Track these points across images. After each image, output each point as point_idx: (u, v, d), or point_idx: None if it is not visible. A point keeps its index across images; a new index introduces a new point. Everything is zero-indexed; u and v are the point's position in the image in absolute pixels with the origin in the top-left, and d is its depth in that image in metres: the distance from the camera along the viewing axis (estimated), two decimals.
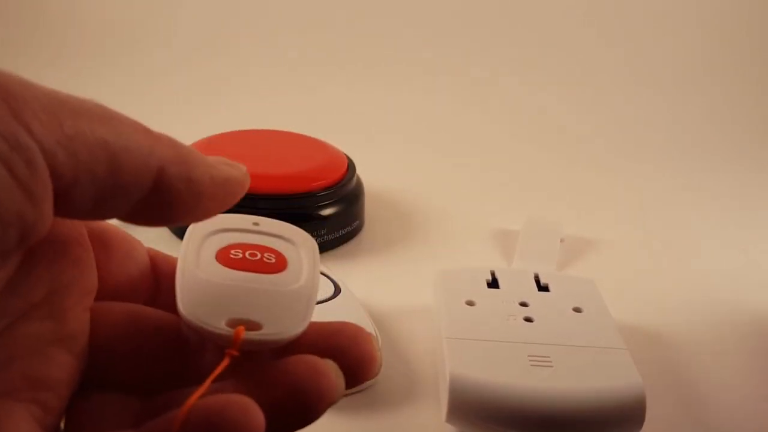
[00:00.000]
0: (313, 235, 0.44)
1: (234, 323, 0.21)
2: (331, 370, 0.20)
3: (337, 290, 0.37)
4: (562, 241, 0.48)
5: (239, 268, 0.23)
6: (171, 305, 0.22)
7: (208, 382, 0.20)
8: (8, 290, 0.19)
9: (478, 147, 0.65)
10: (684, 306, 0.44)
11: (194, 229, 0.24)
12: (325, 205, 0.46)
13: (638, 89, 0.73)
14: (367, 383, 0.35)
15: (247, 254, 0.24)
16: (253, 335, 0.21)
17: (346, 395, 0.34)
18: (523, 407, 0.30)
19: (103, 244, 0.23)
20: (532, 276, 0.39)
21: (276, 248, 0.24)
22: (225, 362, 0.21)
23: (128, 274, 0.23)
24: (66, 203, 0.18)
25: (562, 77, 0.74)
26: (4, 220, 0.17)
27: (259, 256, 0.24)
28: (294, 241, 0.25)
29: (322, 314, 0.36)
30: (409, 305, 0.41)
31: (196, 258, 0.23)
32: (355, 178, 0.49)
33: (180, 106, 0.68)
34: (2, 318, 0.19)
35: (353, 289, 0.38)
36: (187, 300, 0.22)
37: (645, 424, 0.31)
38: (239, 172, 0.22)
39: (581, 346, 0.33)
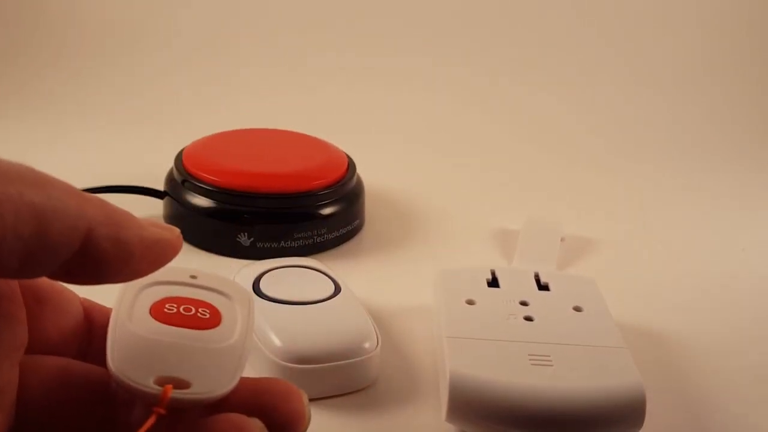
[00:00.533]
0: (313, 235, 0.45)
1: (162, 381, 0.21)
2: (255, 429, 0.21)
3: (337, 290, 0.37)
4: (562, 240, 0.48)
5: (172, 323, 0.23)
6: (102, 357, 0.22)
7: None
8: None
9: (478, 147, 0.65)
10: (684, 306, 0.44)
11: (130, 282, 0.24)
12: (326, 205, 0.46)
13: (638, 89, 0.73)
14: (367, 383, 0.35)
15: (181, 309, 0.24)
16: (180, 394, 0.21)
17: (344, 395, 0.34)
18: (523, 406, 0.30)
19: (35, 298, 0.23)
20: (533, 275, 0.39)
21: (211, 303, 0.24)
22: (151, 420, 0.21)
23: (60, 328, 0.24)
24: None
25: (562, 77, 0.74)
26: None
27: (193, 311, 0.24)
28: (230, 296, 0.25)
29: (322, 314, 0.36)
30: (409, 305, 0.41)
31: (129, 311, 0.23)
32: (355, 178, 0.49)
33: (180, 106, 0.68)
34: None
35: (353, 289, 0.38)
36: (116, 356, 0.22)
37: (645, 423, 0.31)
38: (171, 234, 0.22)
39: (581, 345, 0.34)
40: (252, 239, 0.44)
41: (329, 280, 0.38)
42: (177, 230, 0.22)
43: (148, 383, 0.21)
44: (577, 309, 0.36)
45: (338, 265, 0.44)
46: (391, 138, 0.65)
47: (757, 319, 0.43)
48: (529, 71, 0.74)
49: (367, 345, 0.34)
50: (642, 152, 0.65)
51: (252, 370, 0.22)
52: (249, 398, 0.22)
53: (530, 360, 0.32)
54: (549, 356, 0.33)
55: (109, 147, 0.60)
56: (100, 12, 0.77)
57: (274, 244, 0.45)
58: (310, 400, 0.34)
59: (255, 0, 0.78)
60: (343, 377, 0.34)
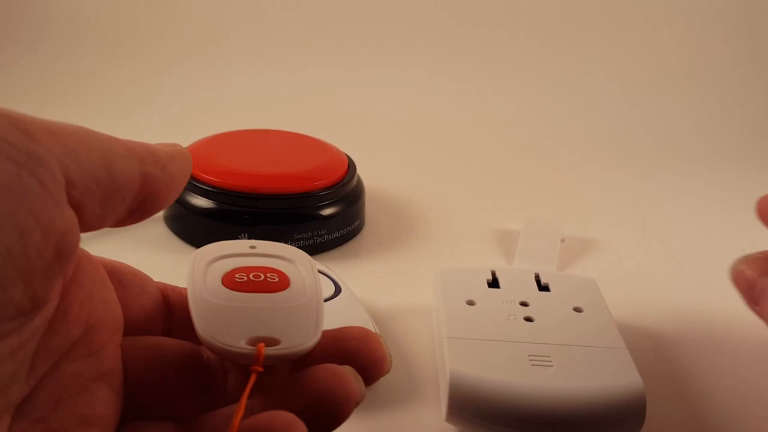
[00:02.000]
0: (313, 235, 0.45)
1: (253, 341, 0.22)
2: (350, 374, 0.22)
3: (338, 290, 0.38)
4: (562, 241, 0.48)
5: (246, 290, 0.25)
6: (186, 332, 0.24)
7: (243, 402, 0.21)
8: (50, 331, 0.20)
9: (478, 147, 0.65)
10: (684, 306, 0.44)
11: (196, 259, 0.26)
12: (326, 205, 0.46)
13: (638, 89, 0.73)
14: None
15: (251, 276, 0.25)
16: (274, 350, 0.22)
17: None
18: (523, 407, 0.30)
19: (119, 282, 0.24)
20: (533, 276, 0.39)
21: (277, 268, 0.26)
22: (252, 379, 0.22)
23: (144, 308, 0.25)
24: (81, 211, 0.20)
25: (563, 78, 0.74)
26: (45, 229, 0.18)
27: (262, 277, 0.25)
28: (291, 259, 0.26)
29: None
30: (409, 305, 0.41)
31: (203, 285, 0.24)
32: (355, 178, 0.49)
33: (181, 106, 0.68)
34: (48, 358, 0.20)
35: (353, 289, 0.38)
36: (205, 325, 0.23)
37: (645, 424, 0.31)
38: (177, 146, 0.23)
39: (581, 345, 0.34)
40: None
41: (329, 280, 0.38)
42: (179, 145, 0.24)
43: (241, 344, 0.22)
44: (578, 309, 0.36)
45: (338, 265, 0.44)
46: (391, 139, 0.65)
47: (757, 320, 0.43)
48: (529, 72, 0.74)
49: None
50: (642, 153, 0.65)
51: None
52: (331, 348, 0.23)
53: (530, 360, 0.32)
54: (549, 357, 0.33)
55: None
56: (100, 13, 0.77)
57: None
58: None
59: (256, 1, 0.78)
60: None
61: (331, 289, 0.37)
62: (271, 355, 0.22)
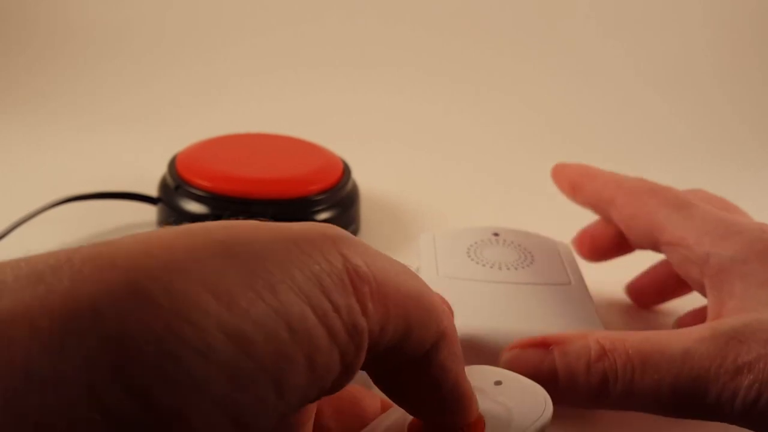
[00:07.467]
0: None
1: None
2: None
3: None
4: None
5: None
6: None
7: None
8: None
9: (474, 150, 0.65)
10: (683, 305, 0.43)
11: None
12: (321, 210, 0.46)
13: (637, 89, 0.73)
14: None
15: None
16: None
17: None
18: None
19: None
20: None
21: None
22: None
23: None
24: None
25: (561, 79, 0.73)
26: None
27: None
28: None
29: None
30: None
31: None
32: (350, 182, 0.48)
33: (173, 111, 0.68)
34: None
35: None
36: None
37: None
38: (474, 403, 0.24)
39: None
40: None
41: None
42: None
43: None
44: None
45: None
46: (386, 142, 0.65)
47: None
48: (526, 73, 0.74)
49: None
50: (641, 153, 0.65)
51: None
52: None
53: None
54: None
55: (101, 152, 0.60)
56: (93, 14, 0.77)
57: None
58: None
59: (249, 4, 0.78)
60: None
61: None
62: None
